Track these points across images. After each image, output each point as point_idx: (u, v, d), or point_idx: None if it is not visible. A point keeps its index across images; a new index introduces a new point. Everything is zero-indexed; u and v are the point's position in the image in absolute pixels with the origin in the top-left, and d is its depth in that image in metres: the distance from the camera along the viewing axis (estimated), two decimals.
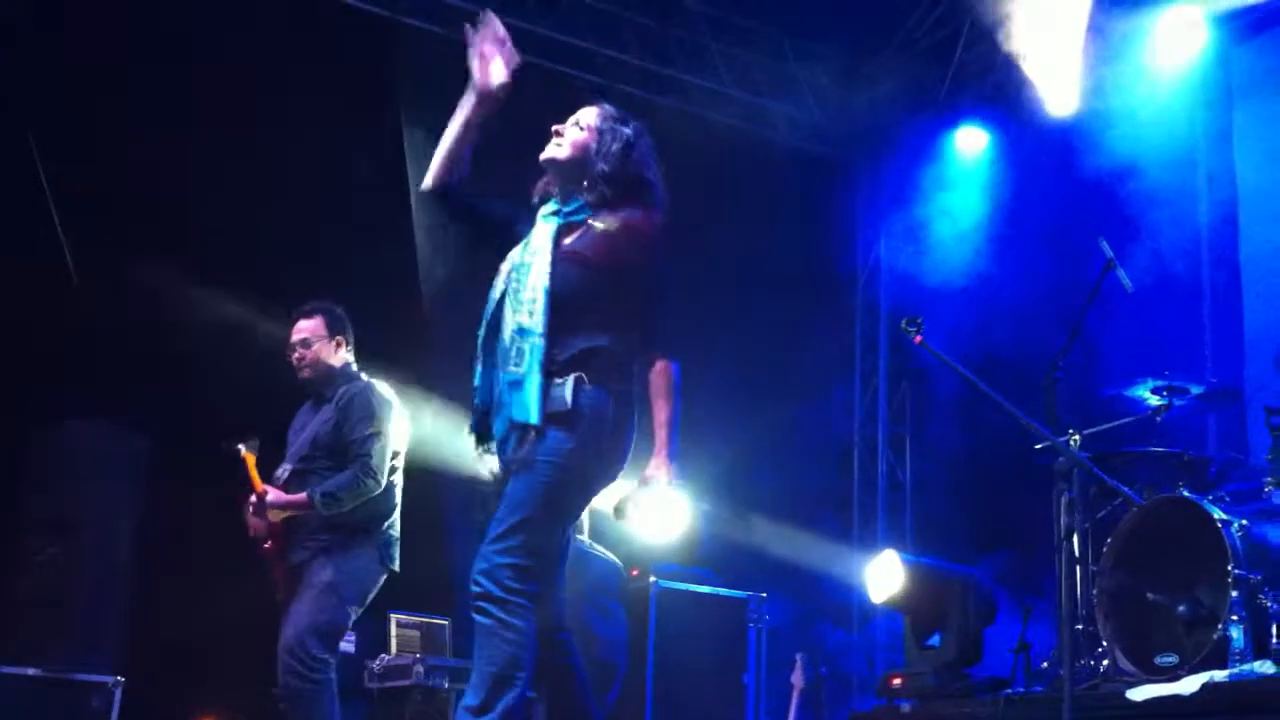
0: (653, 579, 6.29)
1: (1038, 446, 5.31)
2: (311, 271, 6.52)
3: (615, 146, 3.64)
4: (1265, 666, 4.29)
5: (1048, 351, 5.46)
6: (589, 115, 3.71)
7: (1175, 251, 7.01)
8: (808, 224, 8.73)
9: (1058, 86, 7.37)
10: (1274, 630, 4.50)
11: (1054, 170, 7.47)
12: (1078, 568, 4.98)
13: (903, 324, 4.11)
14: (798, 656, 6.15)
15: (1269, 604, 4.54)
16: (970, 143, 8.47)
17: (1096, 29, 7.21)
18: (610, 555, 5.91)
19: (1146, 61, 7.07)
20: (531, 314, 3.46)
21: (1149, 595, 4.79)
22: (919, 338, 4.07)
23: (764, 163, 8.55)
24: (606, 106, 3.77)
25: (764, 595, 6.57)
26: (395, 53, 7.39)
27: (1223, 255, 7.06)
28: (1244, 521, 4.70)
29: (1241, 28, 7.01)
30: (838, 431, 8.96)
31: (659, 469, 3.48)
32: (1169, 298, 7.04)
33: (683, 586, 6.44)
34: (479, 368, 3.61)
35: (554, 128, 3.70)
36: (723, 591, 6.56)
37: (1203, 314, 7.10)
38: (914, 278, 8.32)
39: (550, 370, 3.43)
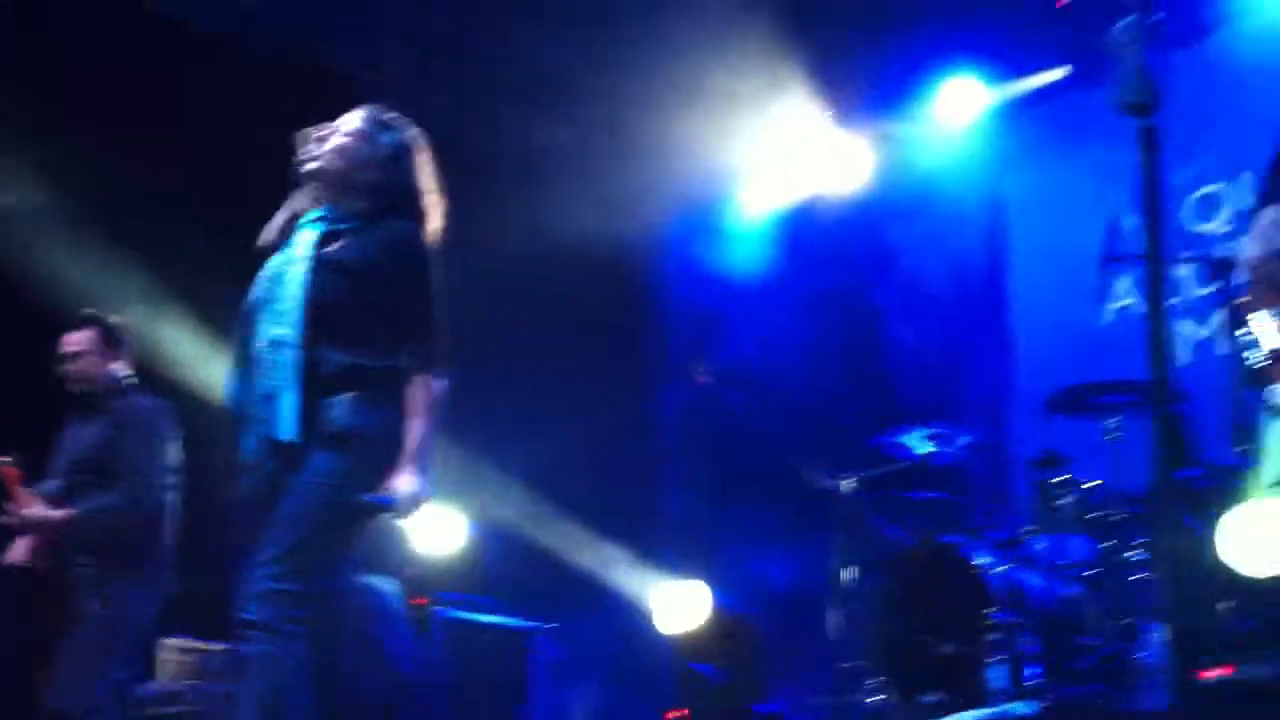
0: (433, 607, 6.20)
1: (816, 488, 5.48)
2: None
3: (381, 154, 3.51)
4: (1021, 707, 4.51)
5: (832, 394, 5.65)
6: (353, 120, 3.56)
7: (951, 306, 7.36)
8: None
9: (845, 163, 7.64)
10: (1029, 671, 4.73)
11: (844, 222, 7.71)
12: (849, 606, 5.15)
13: (692, 366, 4.18)
14: (584, 686, 6.14)
15: (1026, 646, 4.77)
16: None
17: (885, 93, 7.50)
18: (390, 581, 5.80)
19: (929, 125, 7.39)
20: (288, 325, 3.29)
21: (915, 635, 4.98)
22: (705, 378, 4.15)
23: None
24: (374, 110, 3.61)
25: (549, 625, 6.53)
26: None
27: (993, 311, 7.43)
28: (1005, 567, 4.94)
29: (1017, 100, 7.41)
30: (641, 446, 8.80)
31: (402, 483, 3.31)
32: (945, 350, 7.38)
33: (465, 615, 6.37)
34: (234, 381, 3.41)
35: (315, 135, 3.52)
36: (505, 621, 6.51)
37: (974, 365, 7.44)
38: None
39: (314, 385, 3.27)
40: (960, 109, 7.26)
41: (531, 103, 7.35)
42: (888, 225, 7.50)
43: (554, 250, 6.91)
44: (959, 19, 6.66)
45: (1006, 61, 7.08)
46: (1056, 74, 6.93)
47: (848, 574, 5.19)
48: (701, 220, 8.25)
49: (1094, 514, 4.95)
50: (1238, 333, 2.56)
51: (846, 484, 5.41)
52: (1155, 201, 2.28)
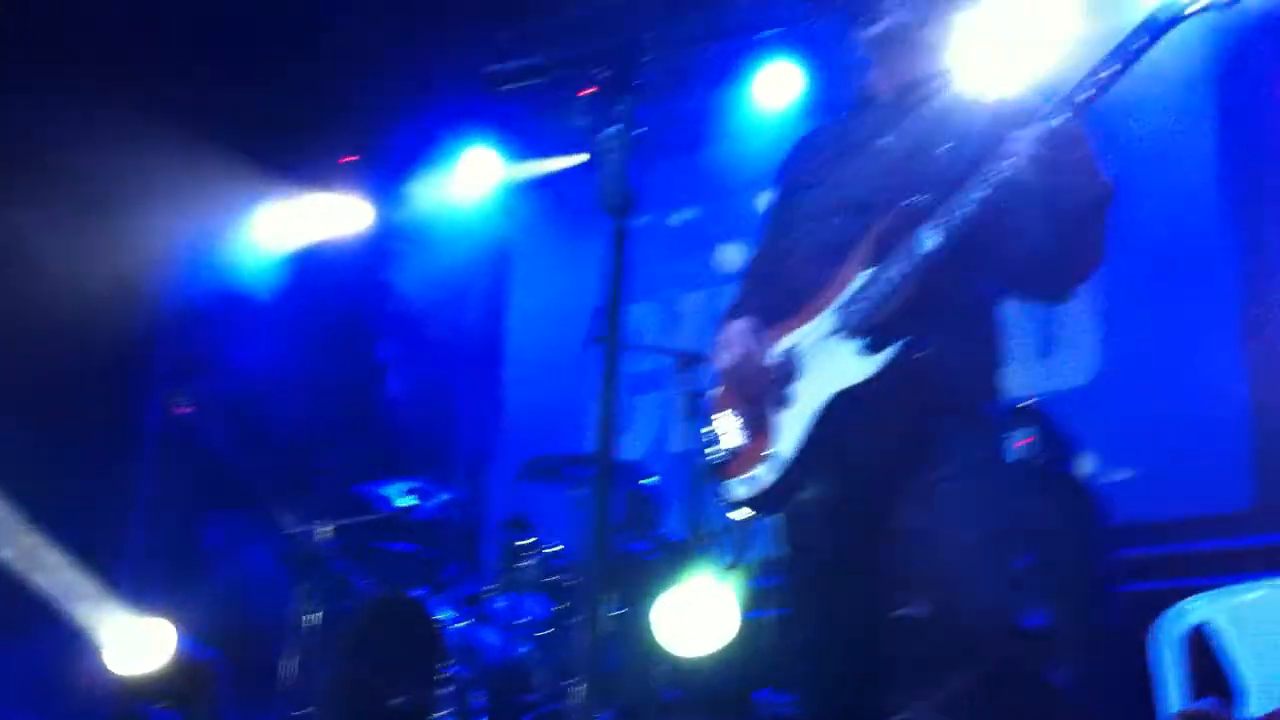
0: None
1: (286, 533, 5.42)
2: None
3: None
4: None
5: (321, 437, 5.62)
6: None
7: (449, 362, 7.56)
8: None
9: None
10: None
11: (351, 266, 7.73)
12: (306, 653, 5.12)
13: (172, 397, 4.06)
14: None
15: (475, 701, 4.92)
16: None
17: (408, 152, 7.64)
18: None
19: (447, 187, 7.60)
20: None
21: (367, 685, 5.02)
22: (185, 409, 4.04)
23: None
24: None
25: None
26: None
27: (488, 373, 7.69)
28: (464, 623, 5.09)
29: (534, 176, 7.78)
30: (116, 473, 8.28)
31: None
32: (438, 405, 7.55)
33: None
34: None
35: None
36: None
37: (464, 424, 7.64)
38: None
39: None
40: (478, 177, 7.54)
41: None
42: (395, 274, 7.60)
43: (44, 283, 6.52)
44: (481, 95, 6.91)
45: (528, 140, 7.41)
46: (573, 160, 7.34)
47: (310, 620, 5.15)
48: (208, 254, 8.01)
49: (552, 577, 5.22)
50: (703, 429, 2.79)
51: (322, 530, 5.38)
52: (618, 295, 2.46)
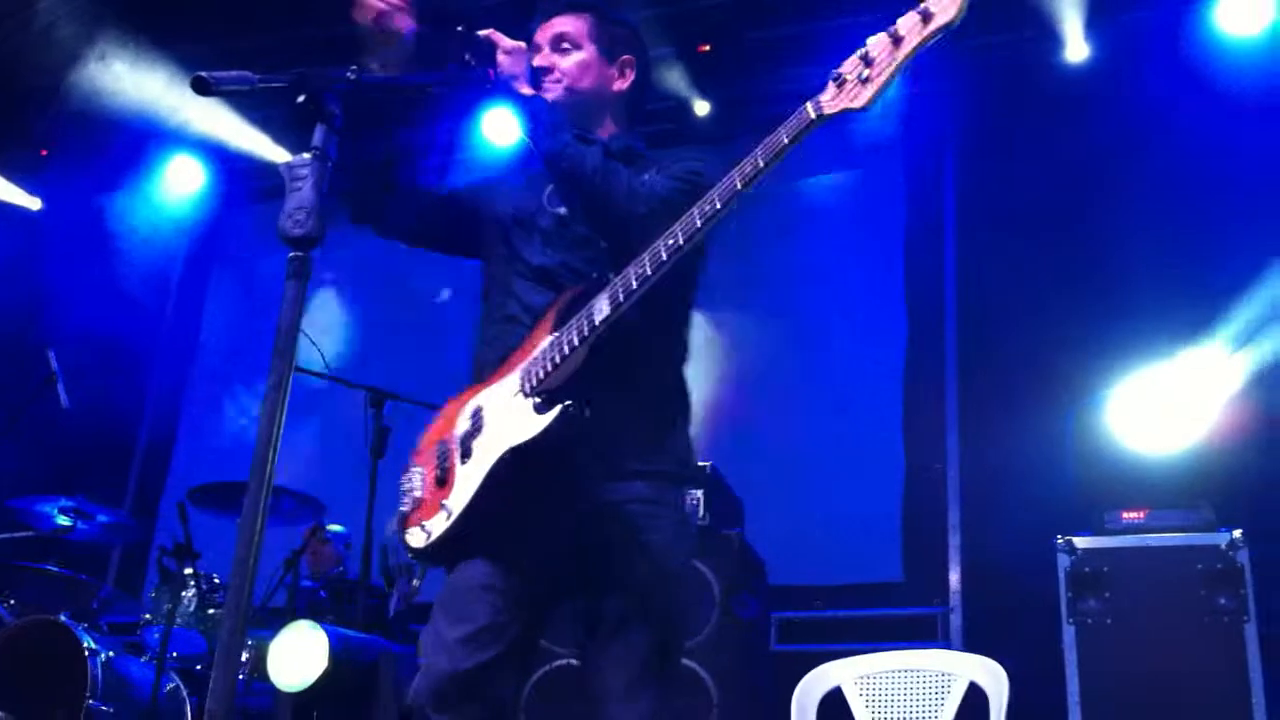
0: None
1: None
2: None
3: None
4: None
5: None
6: None
7: (121, 376, 7.22)
8: None
9: None
10: None
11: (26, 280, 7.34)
12: None
13: None
14: None
15: None
16: None
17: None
18: None
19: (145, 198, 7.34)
20: None
21: (4, 716, 4.70)
22: None
23: None
24: None
25: None
26: None
27: (171, 390, 7.40)
28: (112, 653, 4.84)
29: (242, 191, 7.57)
30: None
31: None
32: (113, 420, 7.19)
33: None
34: None
35: None
36: None
37: (140, 441, 7.32)
38: None
39: None
40: (180, 185, 7.33)
41: None
42: (73, 280, 7.23)
43: None
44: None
45: (231, 155, 7.23)
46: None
47: None
48: None
49: (212, 610, 5.03)
50: (402, 479, 2.80)
51: None
52: (296, 325, 2.41)
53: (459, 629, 2.56)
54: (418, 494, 2.71)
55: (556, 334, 2.59)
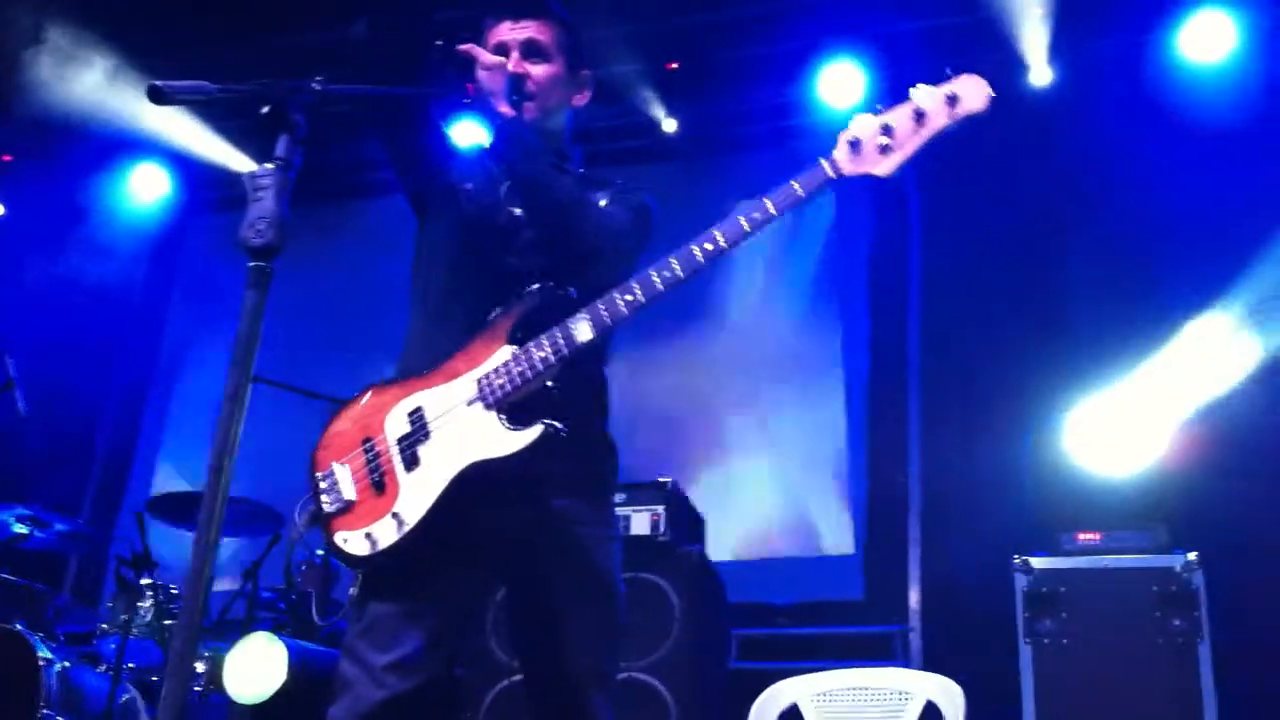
0: None
1: None
2: None
3: None
4: None
5: None
6: None
7: (83, 384, 7.17)
8: None
9: None
10: None
11: None
12: None
13: None
14: None
15: None
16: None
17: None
18: None
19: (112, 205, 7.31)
20: None
21: None
22: None
23: None
24: None
25: None
26: None
27: (132, 398, 7.35)
28: (67, 664, 4.78)
29: (205, 200, 7.54)
30: None
31: None
32: (73, 428, 7.13)
33: None
34: None
35: None
36: None
37: (99, 449, 7.26)
38: None
39: None
40: (145, 193, 7.32)
41: None
42: (33, 286, 7.19)
43: None
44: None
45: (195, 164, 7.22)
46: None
47: None
48: None
49: (172, 620, 4.99)
50: (315, 474, 2.68)
51: None
52: (255, 335, 2.39)
53: (387, 656, 2.49)
54: (348, 496, 2.60)
55: (520, 348, 2.56)
